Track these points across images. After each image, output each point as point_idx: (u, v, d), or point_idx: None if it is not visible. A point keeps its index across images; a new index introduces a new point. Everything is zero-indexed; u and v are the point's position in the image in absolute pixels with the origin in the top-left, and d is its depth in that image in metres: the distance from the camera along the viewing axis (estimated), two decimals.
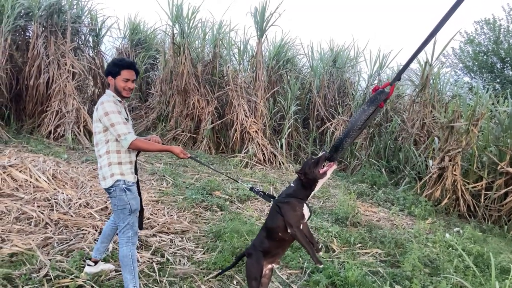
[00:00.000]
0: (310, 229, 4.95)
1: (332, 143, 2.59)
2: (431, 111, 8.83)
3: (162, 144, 3.19)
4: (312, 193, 2.70)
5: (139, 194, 3.13)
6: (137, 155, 3.10)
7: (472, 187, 6.98)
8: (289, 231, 2.57)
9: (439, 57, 9.25)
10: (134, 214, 2.97)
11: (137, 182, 3.11)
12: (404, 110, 10.37)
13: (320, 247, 2.77)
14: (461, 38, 17.24)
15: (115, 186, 2.89)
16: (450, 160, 7.02)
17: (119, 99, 2.97)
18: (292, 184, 2.74)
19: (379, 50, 11.07)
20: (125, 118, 2.91)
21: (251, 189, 3.13)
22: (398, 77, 2.55)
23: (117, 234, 3.09)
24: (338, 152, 2.54)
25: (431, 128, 8.86)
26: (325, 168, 2.58)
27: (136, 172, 3.07)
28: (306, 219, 2.66)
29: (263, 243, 2.74)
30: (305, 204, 2.64)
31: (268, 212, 2.84)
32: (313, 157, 2.62)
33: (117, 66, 2.94)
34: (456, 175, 6.93)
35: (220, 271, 3.49)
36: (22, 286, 3.04)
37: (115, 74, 2.93)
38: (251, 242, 2.96)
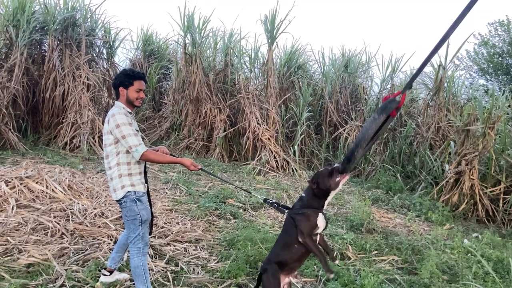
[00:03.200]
0: (325, 237, 4.91)
1: (344, 155, 2.58)
2: (446, 114, 8.70)
3: (171, 155, 3.23)
4: (326, 202, 2.68)
5: (150, 202, 3.14)
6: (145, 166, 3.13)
7: (490, 191, 6.83)
8: (300, 239, 2.55)
9: (453, 59, 9.13)
10: (145, 225, 2.99)
11: (148, 192, 3.13)
12: (418, 114, 10.25)
13: (335, 255, 2.74)
14: (475, 40, 17.01)
15: (126, 197, 2.91)
16: (467, 164, 6.89)
17: (129, 111, 3.00)
18: (303, 194, 2.72)
19: (391, 54, 11.05)
20: (136, 130, 2.94)
21: (265, 200, 3.11)
22: (409, 85, 2.51)
23: None
24: (351, 163, 2.51)
25: (446, 132, 8.72)
26: (338, 178, 2.56)
27: (146, 181, 3.09)
28: (322, 229, 2.63)
29: (279, 256, 2.70)
30: (320, 214, 2.61)
31: (283, 224, 2.81)
32: (327, 168, 2.60)
33: (129, 77, 2.98)
34: (473, 179, 6.79)
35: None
36: None
37: (127, 85, 2.97)
38: (266, 257, 2.92)
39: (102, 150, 8.62)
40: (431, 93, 9.33)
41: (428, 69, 10.20)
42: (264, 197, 3.22)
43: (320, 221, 2.61)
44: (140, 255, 2.94)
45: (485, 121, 6.81)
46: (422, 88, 11.02)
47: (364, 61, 11.98)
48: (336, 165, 2.60)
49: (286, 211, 2.83)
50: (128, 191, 2.90)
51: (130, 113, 3.00)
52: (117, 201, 3.00)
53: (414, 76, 2.52)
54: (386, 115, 2.35)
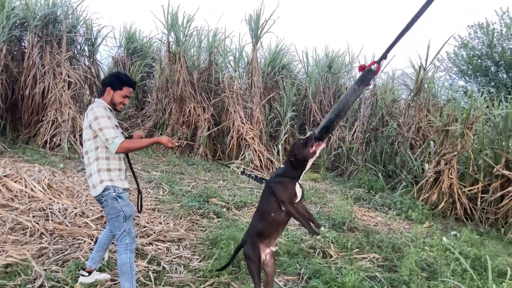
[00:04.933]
0: (307, 235, 4.95)
1: (322, 123, 2.60)
2: (426, 115, 8.87)
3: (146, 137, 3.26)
4: (303, 172, 2.72)
5: (138, 187, 3.22)
6: (130, 164, 3.12)
7: (469, 190, 6.99)
8: (282, 208, 2.58)
9: (433, 61, 9.30)
10: (129, 221, 2.97)
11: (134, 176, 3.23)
12: (399, 115, 10.42)
13: (319, 224, 2.79)
14: (455, 42, 17.40)
15: (106, 196, 2.89)
16: (446, 164, 7.04)
17: (110, 108, 3.01)
18: (281, 166, 2.75)
19: (374, 55, 11.19)
20: (115, 125, 2.93)
21: (243, 172, 3.19)
22: (384, 56, 2.54)
23: (113, 243, 3.08)
24: (328, 132, 2.56)
25: (426, 132, 8.89)
26: (313, 147, 2.59)
27: (135, 178, 3.17)
28: (299, 197, 2.67)
29: (256, 227, 2.74)
30: (297, 183, 2.65)
31: (261, 195, 2.85)
32: (301, 137, 2.64)
33: (121, 82, 3.00)
34: (452, 178, 6.95)
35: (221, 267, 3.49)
36: None
37: (116, 88, 2.98)
38: (246, 231, 2.98)
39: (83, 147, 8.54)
40: (412, 93, 9.49)
41: (409, 70, 10.39)
42: (242, 170, 3.28)
43: (298, 190, 2.64)
44: (128, 252, 2.92)
45: (464, 121, 6.97)
46: (403, 89, 11.20)
47: (347, 62, 12.12)
48: (309, 133, 2.63)
49: (264, 182, 2.85)
50: (107, 186, 2.87)
51: (110, 110, 3.00)
52: (97, 199, 2.97)
53: (391, 46, 2.53)
54: (365, 85, 2.40)
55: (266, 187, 2.74)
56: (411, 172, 8.31)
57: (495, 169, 6.78)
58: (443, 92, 10.25)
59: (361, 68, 2.43)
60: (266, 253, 2.80)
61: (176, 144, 3.11)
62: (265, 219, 2.70)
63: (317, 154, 2.65)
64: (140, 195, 3.23)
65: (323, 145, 2.65)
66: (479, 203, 6.86)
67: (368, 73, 2.38)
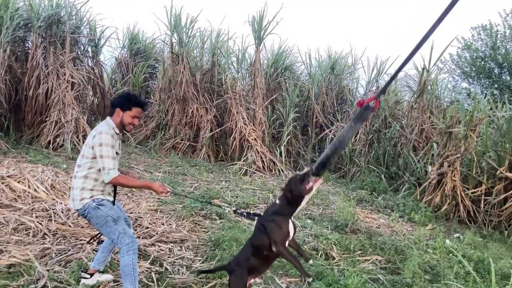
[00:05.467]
0: (310, 236, 4.95)
1: (319, 159, 2.58)
2: (430, 117, 8.85)
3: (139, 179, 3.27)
4: (298, 209, 2.69)
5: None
6: (115, 192, 3.15)
7: (472, 193, 6.97)
8: (273, 249, 2.55)
9: (437, 63, 9.28)
10: (120, 222, 2.98)
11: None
12: (402, 116, 10.38)
13: (308, 257, 2.79)
14: (458, 44, 17.34)
15: (87, 208, 2.92)
16: (449, 166, 7.02)
17: (117, 132, 3.03)
18: (277, 201, 2.72)
19: (377, 57, 11.17)
20: (116, 152, 2.97)
21: (235, 211, 3.15)
22: (383, 91, 2.59)
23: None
24: (325, 168, 2.55)
25: (429, 134, 8.87)
26: (310, 183, 2.56)
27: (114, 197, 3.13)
28: (292, 235, 2.66)
29: (248, 261, 2.72)
30: (290, 221, 2.63)
31: (254, 228, 2.83)
32: (298, 173, 2.61)
33: (130, 102, 3.02)
34: (455, 180, 6.93)
35: (205, 270, 3.59)
36: None
37: (125, 109, 3.00)
38: (235, 257, 2.95)
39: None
40: (415, 95, 9.47)
41: (412, 72, 10.37)
42: (234, 209, 3.28)
43: (291, 228, 2.63)
44: (130, 253, 2.91)
45: (467, 123, 6.95)
46: (406, 91, 11.18)
47: (350, 63, 12.10)
48: (307, 169, 2.61)
49: (257, 218, 2.83)
50: (87, 203, 2.92)
51: (117, 134, 3.03)
52: (81, 214, 3.01)
53: (389, 82, 2.62)
54: (362, 122, 2.41)
55: (259, 223, 2.72)
56: (414, 174, 8.29)
57: (498, 172, 6.76)
58: (446, 94, 10.22)
59: (360, 103, 2.43)
60: (250, 283, 2.80)
61: (168, 190, 3.13)
62: (258, 256, 2.69)
63: (314, 191, 2.62)
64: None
65: (320, 181, 2.62)
66: (482, 206, 6.83)
67: (365, 109, 2.38)
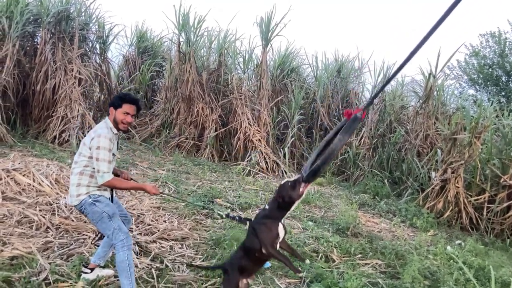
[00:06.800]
0: (311, 238, 4.96)
1: (310, 168, 2.69)
2: (435, 122, 8.83)
3: (132, 180, 3.38)
4: (288, 213, 2.78)
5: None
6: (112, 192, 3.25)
7: (475, 200, 6.95)
8: (263, 251, 2.64)
9: (444, 69, 9.25)
10: (115, 218, 3.03)
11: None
12: (407, 121, 10.37)
13: (303, 258, 2.92)
14: (466, 50, 17.26)
15: (83, 204, 3.00)
16: (452, 172, 7.00)
17: (116, 132, 3.11)
18: (266, 206, 2.80)
19: (383, 61, 11.14)
20: (113, 154, 3.05)
21: (227, 215, 3.25)
22: (370, 102, 2.66)
23: None
24: (315, 176, 2.63)
25: (434, 139, 8.85)
26: (301, 189, 2.65)
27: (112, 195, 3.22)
28: (281, 237, 2.73)
29: (240, 261, 2.85)
30: (280, 224, 2.71)
31: (246, 232, 2.93)
32: (289, 180, 2.69)
33: (120, 100, 3.11)
34: (458, 187, 6.90)
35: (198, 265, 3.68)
36: None
37: (116, 106, 3.09)
38: (230, 256, 3.05)
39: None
40: (420, 101, 9.45)
41: (418, 77, 10.34)
42: (226, 213, 3.34)
43: (281, 230, 2.70)
44: (125, 248, 2.95)
45: (472, 130, 6.93)
46: (412, 96, 11.15)
47: (357, 67, 12.10)
48: (297, 176, 2.69)
49: (248, 222, 2.92)
50: (83, 199, 3.00)
51: (115, 134, 3.11)
52: (77, 209, 3.09)
53: (376, 94, 2.70)
54: (351, 134, 2.48)
55: (250, 227, 2.82)
56: (417, 180, 8.27)
57: (502, 180, 6.74)
58: (452, 100, 10.19)
59: (347, 113, 2.51)
60: (243, 283, 2.90)
61: (160, 192, 3.24)
62: (249, 257, 2.81)
63: (304, 196, 2.71)
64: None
65: (309, 186, 2.72)
66: (485, 213, 6.81)
67: (353, 122, 2.46)
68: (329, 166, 2.75)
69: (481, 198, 6.93)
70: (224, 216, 3.29)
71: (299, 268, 3.47)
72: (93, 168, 2.99)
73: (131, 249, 3.01)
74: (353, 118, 2.45)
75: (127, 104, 3.09)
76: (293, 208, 2.74)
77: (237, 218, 3.12)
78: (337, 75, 11.76)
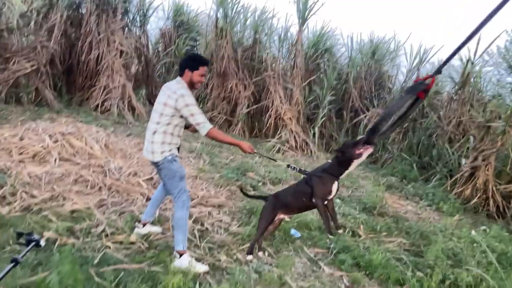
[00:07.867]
0: (338, 214, 5.20)
1: (368, 127, 2.85)
2: (469, 109, 8.74)
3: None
4: (346, 171, 2.95)
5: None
6: None
7: (504, 188, 6.97)
8: (313, 200, 2.85)
9: (483, 55, 9.07)
10: (183, 180, 3.32)
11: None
12: (441, 107, 10.27)
13: (339, 225, 3.12)
14: (508, 37, 16.57)
15: (163, 160, 3.24)
16: (483, 160, 7.02)
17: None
18: (329, 161, 3.00)
19: (420, 44, 10.90)
20: None
21: (288, 166, 3.46)
22: (439, 70, 2.68)
23: (169, 201, 3.45)
24: (375, 134, 2.74)
25: (467, 126, 8.78)
26: (361, 150, 2.82)
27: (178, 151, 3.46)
28: (333, 195, 2.92)
29: (286, 197, 3.10)
30: (336, 182, 2.90)
31: (302, 178, 3.14)
32: (353, 140, 2.88)
33: (197, 62, 3.30)
34: (488, 175, 6.94)
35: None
36: (84, 238, 3.48)
37: (193, 69, 3.27)
38: (277, 192, 3.38)
39: (131, 115, 8.98)
40: (456, 87, 9.35)
41: (456, 62, 10.15)
42: (287, 164, 3.55)
43: (334, 188, 2.90)
44: (185, 208, 3.26)
45: (507, 118, 6.89)
46: (448, 81, 10.97)
47: (392, 49, 11.95)
48: (361, 137, 2.87)
49: (307, 172, 3.15)
50: (166, 156, 3.24)
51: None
52: (154, 164, 3.34)
53: (446, 61, 2.69)
54: (414, 95, 2.58)
55: (308, 176, 3.02)
56: (446, 166, 8.30)
57: None
58: (489, 88, 9.99)
59: (416, 81, 2.61)
60: (278, 218, 3.14)
61: (255, 151, 3.37)
62: (296, 198, 3.04)
63: (363, 158, 2.84)
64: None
65: (371, 149, 2.84)
66: None
67: (419, 84, 2.53)
68: (393, 129, 2.78)
69: (510, 187, 6.95)
70: (286, 165, 3.48)
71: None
72: (175, 126, 3.20)
73: (189, 209, 3.33)
74: (419, 82, 2.56)
75: (203, 67, 3.31)
76: (351, 168, 2.90)
77: (297, 169, 3.34)
78: (371, 57, 11.68)
